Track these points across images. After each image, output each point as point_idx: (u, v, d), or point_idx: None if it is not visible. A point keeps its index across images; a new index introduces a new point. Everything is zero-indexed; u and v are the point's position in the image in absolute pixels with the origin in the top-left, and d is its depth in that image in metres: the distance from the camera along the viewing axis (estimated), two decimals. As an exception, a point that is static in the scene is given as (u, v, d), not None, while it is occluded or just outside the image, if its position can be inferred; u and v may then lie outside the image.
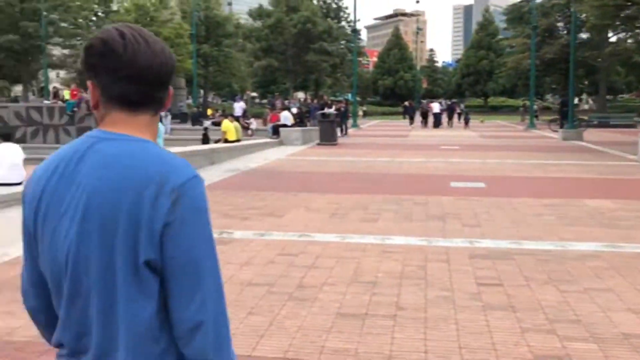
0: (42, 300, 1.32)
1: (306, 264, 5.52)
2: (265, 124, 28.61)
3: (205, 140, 21.11)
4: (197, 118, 31.77)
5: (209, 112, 39.11)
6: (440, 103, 43.49)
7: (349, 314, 4.21)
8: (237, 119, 24.10)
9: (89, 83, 1.27)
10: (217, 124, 26.10)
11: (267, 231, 6.89)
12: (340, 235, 6.69)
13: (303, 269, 5.33)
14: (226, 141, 19.10)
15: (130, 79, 1.22)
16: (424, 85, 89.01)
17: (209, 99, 61.00)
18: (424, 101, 56.45)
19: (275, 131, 22.79)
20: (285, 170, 13.52)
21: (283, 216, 7.90)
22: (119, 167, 1.19)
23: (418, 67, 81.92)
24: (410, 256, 5.82)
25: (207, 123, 27.05)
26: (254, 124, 28.12)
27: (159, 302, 1.20)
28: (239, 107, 30.77)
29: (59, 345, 1.28)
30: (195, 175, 1.23)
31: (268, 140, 21.65)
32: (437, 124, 35.89)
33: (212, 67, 53.76)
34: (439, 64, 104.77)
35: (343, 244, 6.29)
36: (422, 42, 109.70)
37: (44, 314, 1.34)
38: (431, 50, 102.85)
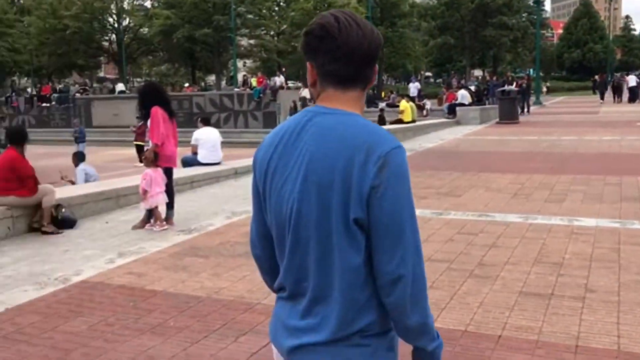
0: (267, 250, 1.55)
1: (487, 243, 5.45)
2: (440, 103, 28.18)
3: (382, 121, 21.41)
4: (372, 100, 32.32)
5: (383, 93, 39.48)
6: (637, 75, 39.11)
7: (533, 293, 4.12)
8: (412, 99, 24.08)
9: (307, 64, 1.45)
10: (392, 105, 26.31)
11: (445, 210, 6.90)
12: (523, 216, 6.47)
13: (483, 248, 5.29)
14: (400, 121, 19.22)
15: (343, 59, 1.38)
16: (618, 56, 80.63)
17: (383, 81, 61.46)
18: (618, 74, 51.19)
19: (452, 110, 22.36)
20: (463, 150, 13.28)
21: (461, 195, 7.83)
22: (333, 137, 1.36)
23: (610, 37, 74.28)
24: (601, 238, 5.46)
25: (382, 104, 27.38)
26: (429, 104, 27.85)
27: (365, 255, 1.36)
28: (413, 87, 30.68)
29: (280, 289, 1.50)
30: (399, 145, 1.37)
31: (444, 120, 21.33)
32: (633, 98, 32.35)
33: (387, 49, 53.99)
34: (637, 32, 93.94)
35: (526, 225, 6.09)
36: (615, 9, 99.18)
37: (268, 262, 1.57)
38: (627, 17, 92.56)
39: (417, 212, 4.97)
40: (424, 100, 28.48)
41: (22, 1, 53.24)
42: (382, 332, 1.41)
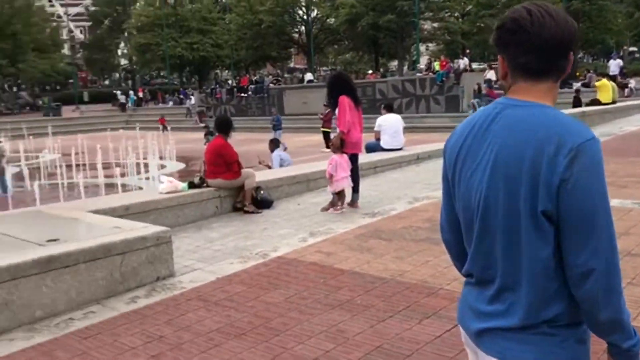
0: (455, 235, 1.63)
1: (699, 238, 4.89)
2: (648, 82, 25.26)
3: (577, 103, 19.84)
4: (565, 81, 30.07)
5: (578, 73, 36.41)
6: None
7: None
8: (612, 78, 21.95)
9: (499, 57, 1.50)
10: (587, 85, 24.23)
11: (649, 200, 6.29)
12: None
13: (695, 244, 4.75)
14: (597, 102, 17.66)
15: (535, 51, 1.40)
16: None
17: (579, 59, 56.52)
18: None
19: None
20: (673, 134, 11.85)
21: (670, 185, 7.06)
22: (522, 129, 1.39)
23: None
24: None
25: (577, 85, 25.33)
26: (633, 82, 25.10)
27: (554, 247, 1.37)
28: (614, 64, 27.89)
29: (468, 275, 1.58)
30: (593, 137, 1.35)
31: (651, 100, 19.13)
32: None
33: (584, 24, 49.51)
34: None
35: None
36: None
37: (457, 246, 1.65)
38: None
39: (617, 202, 4.67)
40: (627, 79, 25.73)
41: (224, 0, 58.33)
42: (572, 323, 1.41)
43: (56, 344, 3.63)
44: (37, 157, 18.47)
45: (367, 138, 10.46)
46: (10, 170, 14.11)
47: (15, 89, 60.47)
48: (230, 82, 46.84)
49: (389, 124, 10.83)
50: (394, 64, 57.98)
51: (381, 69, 50.35)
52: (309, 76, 39.47)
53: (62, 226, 5.20)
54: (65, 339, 3.70)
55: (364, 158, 9.21)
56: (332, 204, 6.98)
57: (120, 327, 3.82)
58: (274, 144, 11.56)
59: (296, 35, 55.31)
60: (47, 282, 4.02)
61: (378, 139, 10.92)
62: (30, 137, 22.43)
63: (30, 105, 48.60)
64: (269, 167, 10.64)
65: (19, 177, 15.02)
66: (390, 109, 11.48)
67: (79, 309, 4.16)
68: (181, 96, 47.03)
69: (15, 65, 48.77)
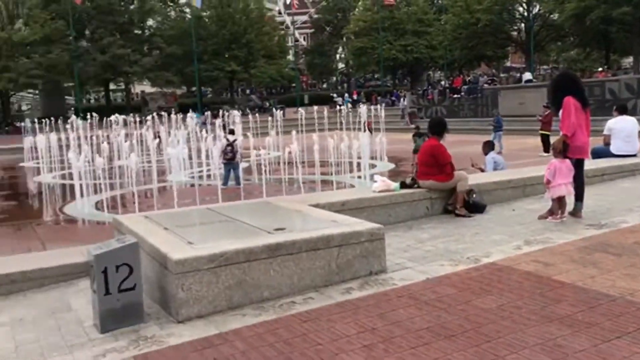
0: None
1: None
2: None
3: None
4: None
5: None
6: None
7: None
8: None
9: None
10: None
11: None
12: None
13: None
14: None
15: None
16: None
17: None
18: None
19: None
20: None
21: None
22: None
23: None
24: None
25: None
26: None
27: None
28: None
29: None
30: None
31: None
32: None
33: None
34: None
35: None
36: None
37: None
38: None
39: None
40: None
41: (440, 1, 58.09)
42: None
43: (280, 323, 3.99)
44: (265, 154, 20.35)
45: (595, 142, 9.62)
46: (242, 165, 15.79)
47: (248, 92, 67.31)
48: (442, 82, 46.48)
49: (621, 127, 9.81)
50: (628, 60, 52.24)
51: (607, 67, 45.74)
52: (527, 75, 37.42)
53: (287, 217, 5.68)
54: (287, 319, 4.05)
55: (590, 164, 8.48)
56: (551, 212, 6.55)
57: (335, 315, 4.06)
58: (489, 146, 11.20)
59: (514, 33, 52.82)
60: (274, 266, 4.43)
61: (608, 144, 9.97)
62: (259, 135, 24.76)
63: (259, 107, 53.63)
64: (482, 170, 10.35)
65: (248, 171, 16.71)
66: (623, 110, 10.38)
67: (299, 293, 4.51)
68: (393, 98, 47.88)
69: (247, 70, 54.21)
